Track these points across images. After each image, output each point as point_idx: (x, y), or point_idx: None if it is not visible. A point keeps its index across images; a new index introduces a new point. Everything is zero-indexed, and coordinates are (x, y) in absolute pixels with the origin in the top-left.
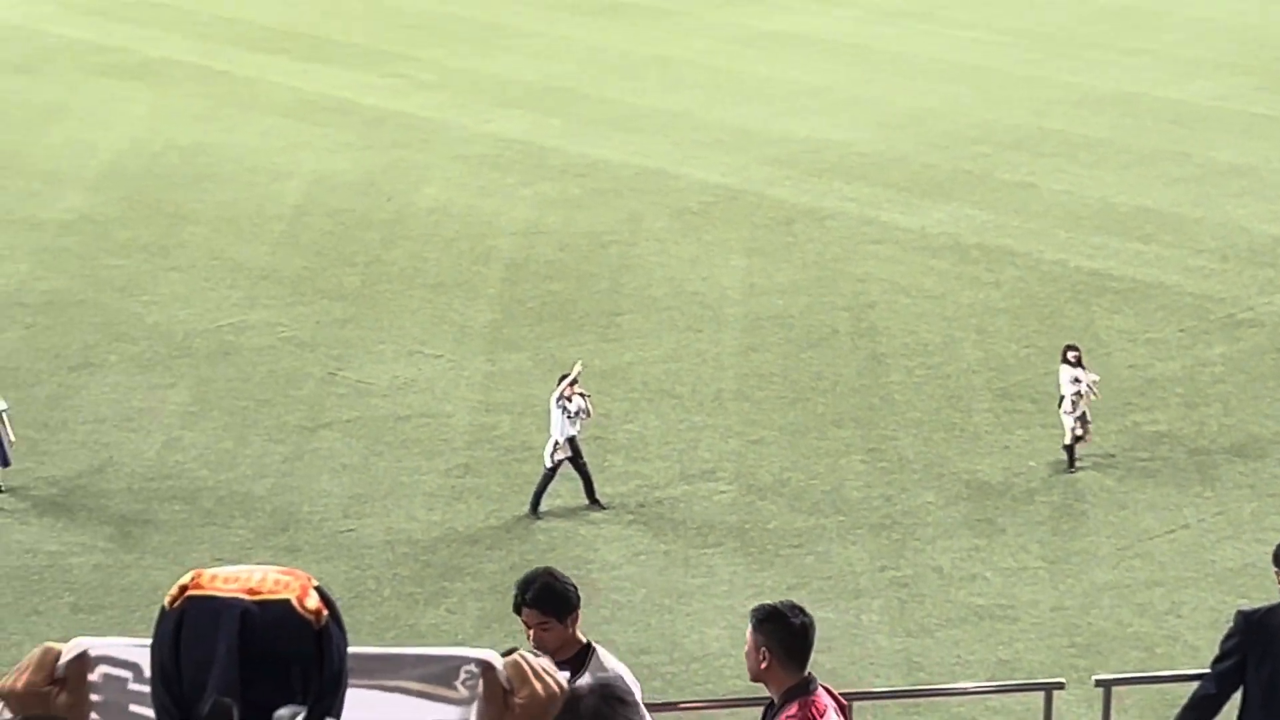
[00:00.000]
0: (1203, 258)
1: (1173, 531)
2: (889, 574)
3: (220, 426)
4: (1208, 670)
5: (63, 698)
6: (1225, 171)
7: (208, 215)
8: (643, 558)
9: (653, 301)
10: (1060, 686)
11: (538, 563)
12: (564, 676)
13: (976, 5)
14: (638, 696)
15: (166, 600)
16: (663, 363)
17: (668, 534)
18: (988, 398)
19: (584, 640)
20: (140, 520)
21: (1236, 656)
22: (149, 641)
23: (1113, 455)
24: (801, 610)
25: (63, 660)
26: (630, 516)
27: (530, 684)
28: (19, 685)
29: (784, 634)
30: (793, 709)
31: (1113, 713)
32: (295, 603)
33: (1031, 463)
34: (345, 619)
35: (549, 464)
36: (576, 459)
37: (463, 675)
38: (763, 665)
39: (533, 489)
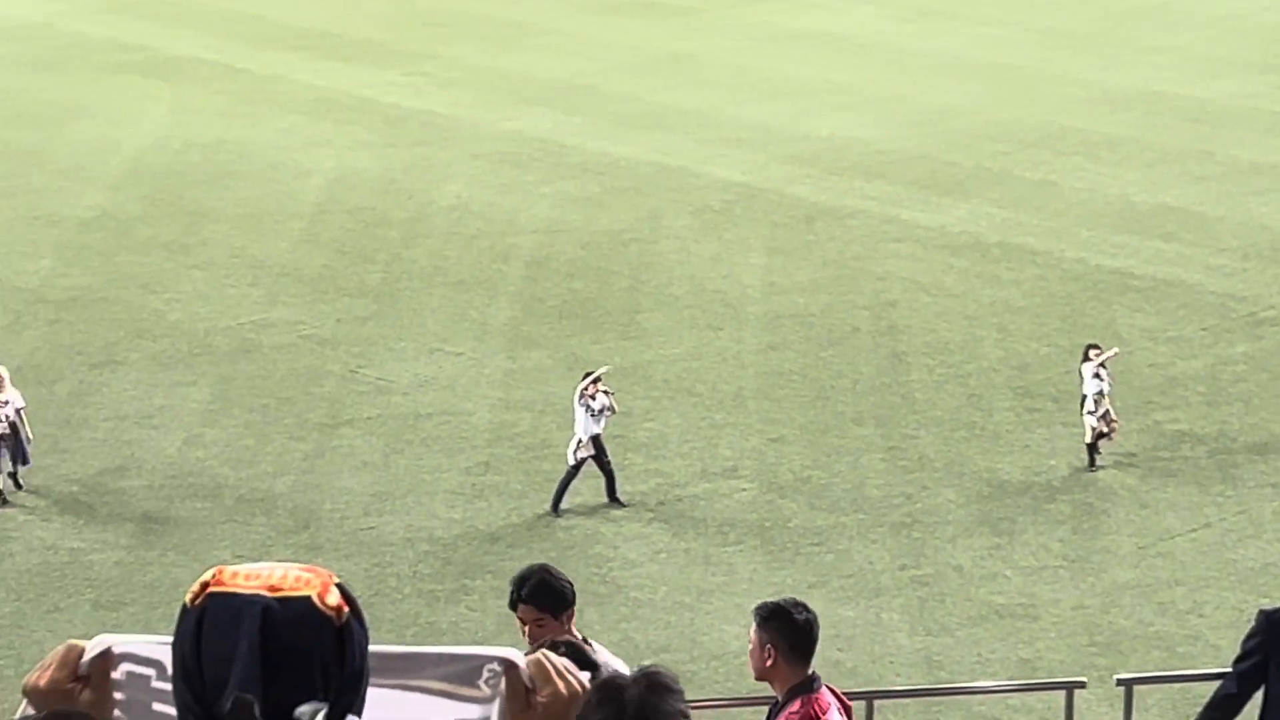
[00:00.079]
0: (1224, 256)
1: (1194, 530)
2: (909, 572)
3: (241, 424)
4: (1229, 670)
5: (86, 695)
6: (1247, 170)
7: (229, 213)
8: (663, 556)
9: (673, 299)
10: (1082, 685)
11: (558, 561)
12: (585, 676)
13: (998, 3)
14: None
15: (188, 597)
16: (683, 361)
17: (688, 532)
18: (1008, 396)
19: (579, 636)
20: (161, 517)
21: (1258, 656)
22: (171, 639)
23: (1134, 454)
24: (805, 607)
25: (86, 658)
26: (650, 514)
27: (553, 683)
28: (43, 682)
29: (789, 631)
30: (795, 705)
31: (1134, 712)
32: (316, 599)
33: (1052, 461)
34: (366, 616)
35: (572, 461)
36: (601, 457)
37: (485, 674)
38: (768, 663)
39: (554, 486)
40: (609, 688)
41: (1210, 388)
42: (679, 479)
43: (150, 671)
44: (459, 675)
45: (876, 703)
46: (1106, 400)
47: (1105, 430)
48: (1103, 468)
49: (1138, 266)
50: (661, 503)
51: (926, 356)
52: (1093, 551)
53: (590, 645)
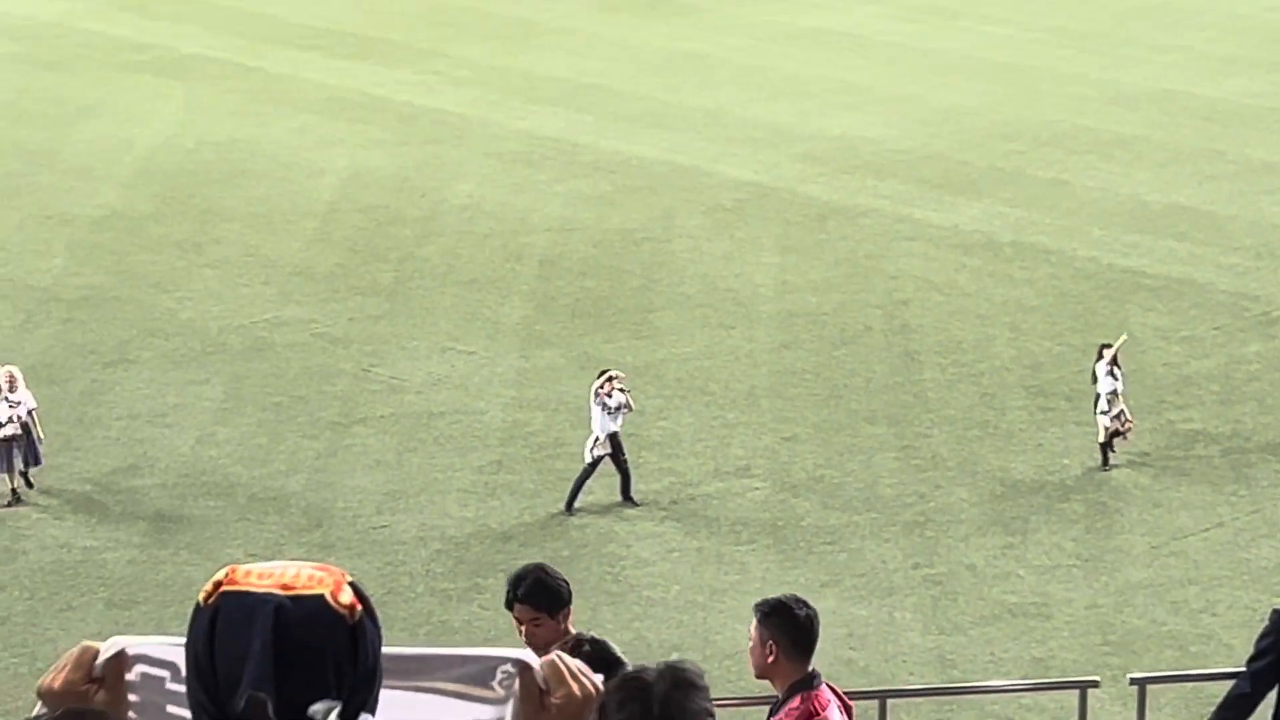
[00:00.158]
0: (1237, 255)
1: (1207, 530)
2: (922, 571)
3: (254, 423)
4: (1242, 669)
5: (101, 696)
6: (1259, 169)
7: (241, 211)
8: (676, 555)
9: (686, 298)
10: (1095, 685)
11: (572, 559)
12: (599, 678)
13: (1010, 2)
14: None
15: (201, 596)
16: (696, 360)
17: (701, 531)
18: (1021, 395)
19: (575, 635)
20: (174, 516)
21: (1272, 656)
22: (185, 640)
23: (1147, 453)
24: (805, 603)
25: (100, 659)
26: (663, 513)
27: (567, 684)
28: (57, 684)
29: (790, 627)
30: (795, 701)
31: (1147, 711)
32: (329, 598)
33: (1065, 460)
34: (378, 615)
35: (588, 459)
36: (618, 455)
37: (499, 675)
38: (769, 659)
39: (567, 485)
40: (634, 684)
41: (1223, 387)
42: (692, 478)
43: (164, 673)
44: (472, 676)
45: (889, 702)
46: (1121, 400)
47: (1120, 429)
48: (1116, 467)
49: (1150, 266)
50: (674, 501)
51: (939, 355)
52: (1106, 551)
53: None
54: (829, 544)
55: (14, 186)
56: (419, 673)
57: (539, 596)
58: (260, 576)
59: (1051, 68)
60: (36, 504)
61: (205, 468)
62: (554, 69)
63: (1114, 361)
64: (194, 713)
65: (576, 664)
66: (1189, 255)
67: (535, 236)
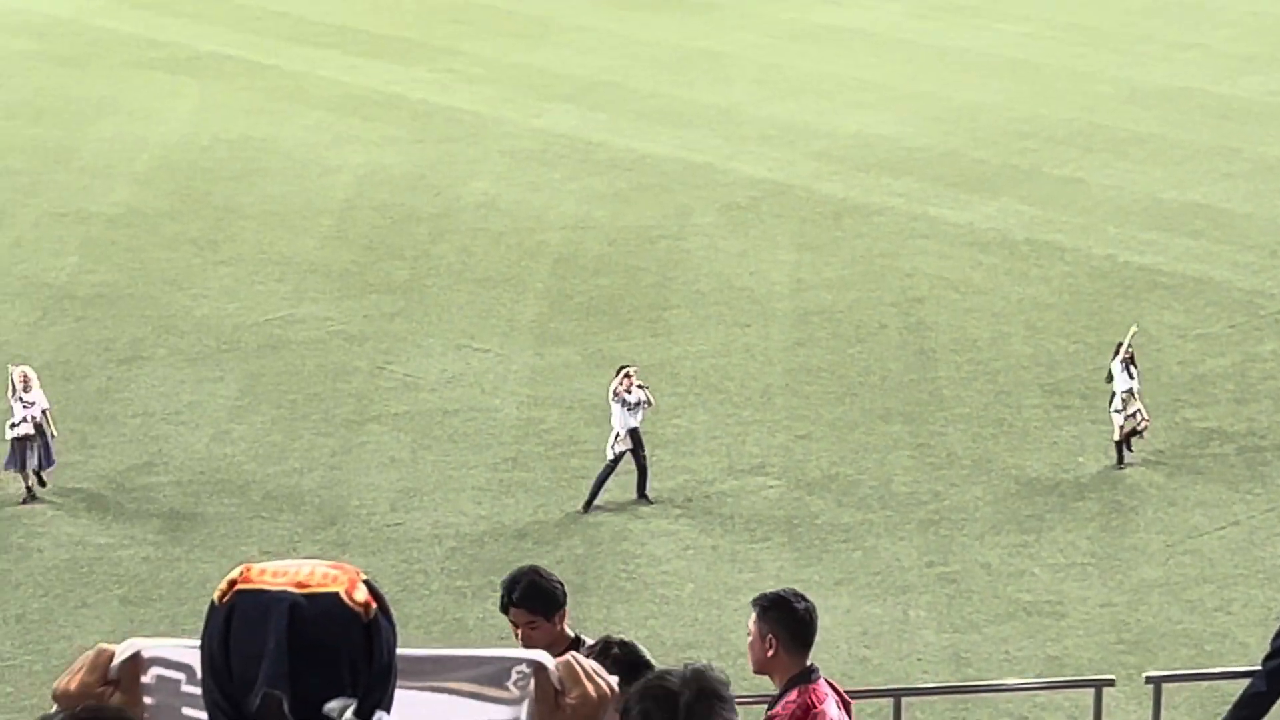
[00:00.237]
0: (1253, 254)
1: (1223, 528)
2: (937, 569)
3: (269, 420)
4: (1258, 668)
5: (116, 699)
6: (1276, 167)
7: (256, 209)
8: (690, 553)
9: (700, 296)
10: (1110, 683)
11: (586, 557)
12: (615, 680)
13: (1023, 0)
14: None
15: (216, 595)
16: (711, 357)
17: (715, 529)
18: (1036, 393)
19: (572, 635)
20: (189, 514)
21: None
22: (200, 642)
23: (1162, 452)
24: (804, 597)
25: (116, 661)
26: (678, 511)
27: (582, 685)
28: (73, 686)
29: (789, 620)
30: (793, 695)
31: (1162, 710)
32: (344, 596)
33: (1080, 459)
34: (393, 612)
35: (610, 456)
36: (638, 451)
37: (514, 675)
38: (769, 653)
39: (580, 482)
40: (658, 691)
41: (1239, 385)
42: (706, 476)
43: (180, 676)
44: (487, 677)
45: (904, 700)
46: (1137, 399)
47: (1137, 428)
48: (1131, 465)
49: (1166, 264)
50: (689, 499)
51: (954, 353)
52: (1121, 549)
53: (584, 642)
54: (843, 542)
55: (29, 184)
56: (434, 673)
57: (534, 600)
58: (275, 575)
59: (1068, 65)
60: (51, 502)
61: (220, 465)
62: (569, 66)
63: (1131, 360)
64: (210, 712)
65: (592, 664)
66: (1205, 253)
67: (550, 234)
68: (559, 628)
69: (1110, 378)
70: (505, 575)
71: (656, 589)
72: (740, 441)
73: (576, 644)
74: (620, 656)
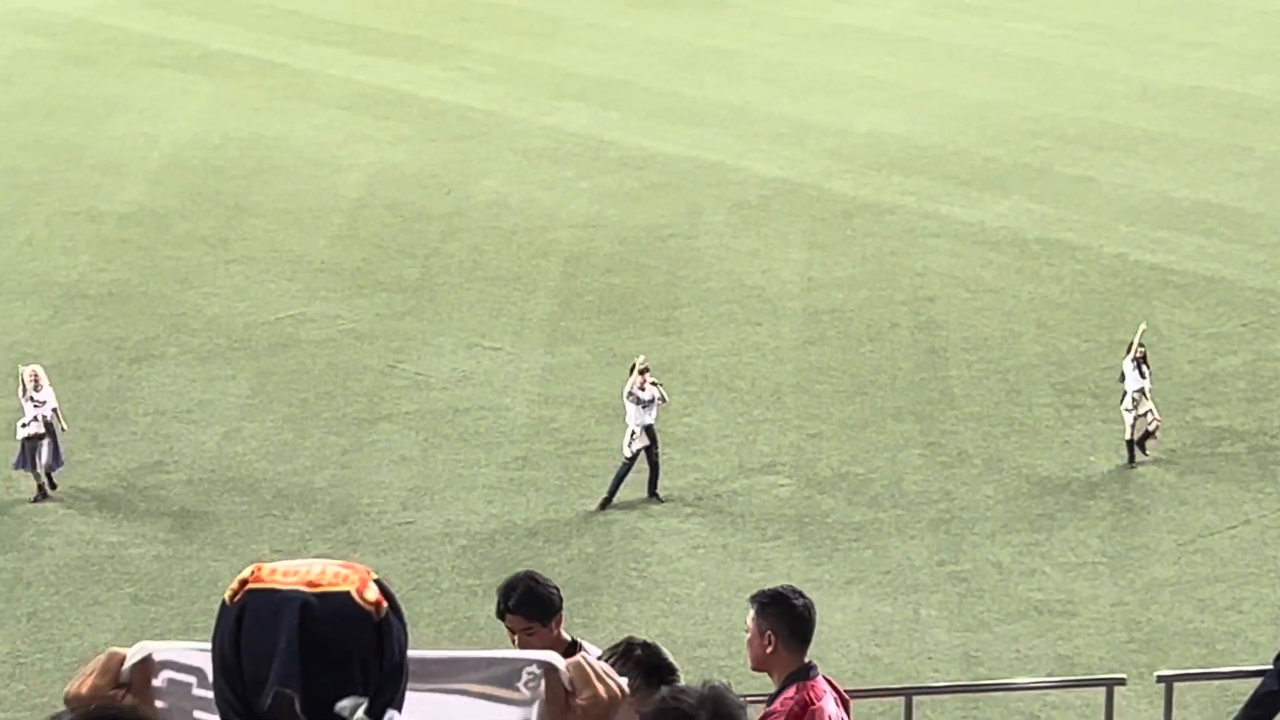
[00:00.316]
0: (1264, 252)
1: (1234, 527)
2: (948, 568)
3: (280, 419)
4: (1269, 667)
5: (128, 702)
6: None
7: (267, 208)
8: (701, 551)
9: (711, 295)
10: (1121, 682)
11: (596, 555)
12: (625, 681)
13: None
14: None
15: (227, 595)
16: (721, 356)
17: (726, 527)
18: (1048, 392)
19: (569, 639)
20: (200, 512)
21: None
22: (210, 645)
23: (1174, 450)
24: (802, 593)
25: (127, 665)
26: (689, 510)
27: (593, 686)
28: (84, 690)
29: (788, 617)
30: (791, 691)
31: (1174, 709)
32: (355, 595)
33: (1092, 458)
34: (404, 611)
35: (628, 454)
36: (652, 448)
37: (525, 676)
38: (768, 649)
39: (591, 481)
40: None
41: (1250, 384)
42: (717, 474)
43: (191, 679)
44: (498, 678)
45: (915, 699)
46: (1148, 399)
47: (1149, 429)
48: (1143, 464)
49: (1177, 262)
50: (700, 498)
51: (965, 352)
52: (1132, 548)
53: (582, 646)
54: (854, 540)
55: (41, 182)
56: (445, 675)
57: (530, 606)
58: (286, 574)
59: (1080, 64)
60: (62, 500)
61: (231, 464)
62: (580, 65)
63: (1143, 359)
64: (221, 711)
65: (602, 666)
66: (1216, 252)
67: (561, 233)
68: (555, 633)
69: (1123, 377)
70: (501, 581)
71: (667, 587)
72: (751, 440)
73: (574, 648)
74: (643, 658)
